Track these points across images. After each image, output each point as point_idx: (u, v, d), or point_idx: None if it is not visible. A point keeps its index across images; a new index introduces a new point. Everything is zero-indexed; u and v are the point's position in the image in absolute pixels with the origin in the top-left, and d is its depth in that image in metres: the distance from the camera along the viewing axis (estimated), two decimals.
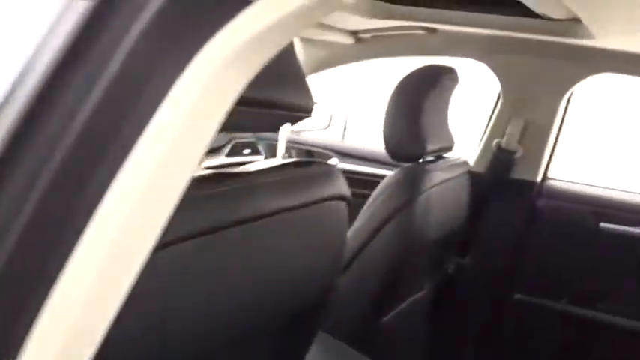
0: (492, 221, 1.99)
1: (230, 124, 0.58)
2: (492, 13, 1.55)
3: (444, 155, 1.77)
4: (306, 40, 2.14)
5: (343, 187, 0.96)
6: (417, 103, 1.55)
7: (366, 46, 2.05)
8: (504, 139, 1.93)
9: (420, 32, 1.86)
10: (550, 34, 1.50)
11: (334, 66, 2.18)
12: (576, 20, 1.40)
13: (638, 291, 1.85)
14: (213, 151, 2.30)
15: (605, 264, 1.87)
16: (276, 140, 2.55)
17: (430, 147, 1.58)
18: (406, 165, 1.59)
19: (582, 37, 1.43)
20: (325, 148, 2.53)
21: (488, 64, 1.90)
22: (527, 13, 1.48)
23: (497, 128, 1.95)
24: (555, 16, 1.40)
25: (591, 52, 1.70)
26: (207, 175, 0.77)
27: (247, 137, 2.62)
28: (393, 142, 1.58)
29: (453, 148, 1.78)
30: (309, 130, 2.66)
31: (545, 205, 1.96)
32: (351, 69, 2.28)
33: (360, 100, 4.87)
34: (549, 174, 2.01)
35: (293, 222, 0.83)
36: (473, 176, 2.00)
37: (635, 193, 1.94)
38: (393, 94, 1.59)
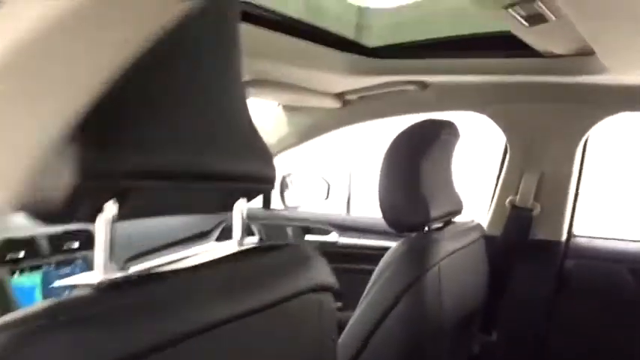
0: (517, 290, 1.74)
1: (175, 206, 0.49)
2: (488, 57, 1.40)
3: (453, 220, 1.55)
4: (289, 108, 1.99)
5: (323, 275, 0.75)
6: (414, 165, 1.36)
7: (354, 108, 1.89)
8: (518, 197, 1.71)
9: (411, 88, 1.70)
10: (557, 74, 1.33)
11: (322, 133, 2.01)
12: (586, 55, 1.23)
13: None
14: (202, 236, 2.10)
15: None
16: (274, 219, 2.36)
17: (435, 213, 1.37)
18: (410, 235, 1.37)
19: (595, 72, 1.25)
20: (323, 222, 2.32)
21: (490, 116, 1.72)
22: (529, 52, 1.32)
23: (509, 185, 1.74)
24: (562, 52, 1.23)
25: (606, 91, 1.52)
26: (134, 278, 0.56)
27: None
28: (391, 212, 1.37)
29: (462, 211, 1.56)
30: (305, 205, 2.48)
31: (574, 266, 1.72)
32: (354, 132, 2.11)
33: (365, 166, 4.69)
34: (574, 231, 1.78)
35: (253, 328, 0.61)
36: (488, 241, 1.77)
37: None
38: (386, 156, 1.40)
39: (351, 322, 1.32)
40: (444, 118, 1.51)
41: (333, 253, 2.25)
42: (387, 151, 1.41)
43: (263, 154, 0.68)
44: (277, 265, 0.71)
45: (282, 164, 2.52)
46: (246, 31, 1.25)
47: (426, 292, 1.27)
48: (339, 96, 1.81)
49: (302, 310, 0.70)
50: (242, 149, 0.64)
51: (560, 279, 1.72)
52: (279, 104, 2.02)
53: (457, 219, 1.57)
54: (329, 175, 2.47)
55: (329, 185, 2.50)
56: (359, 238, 2.25)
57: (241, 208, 0.68)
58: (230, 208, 0.69)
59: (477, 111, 1.73)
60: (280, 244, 0.78)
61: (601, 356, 1.67)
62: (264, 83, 1.54)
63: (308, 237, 2.29)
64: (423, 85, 1.71)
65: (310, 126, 1.99)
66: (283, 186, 2.47)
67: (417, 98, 1.75)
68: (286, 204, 2.45)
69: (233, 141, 0.63)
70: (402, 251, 1.31)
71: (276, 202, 2.45)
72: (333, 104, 1.84)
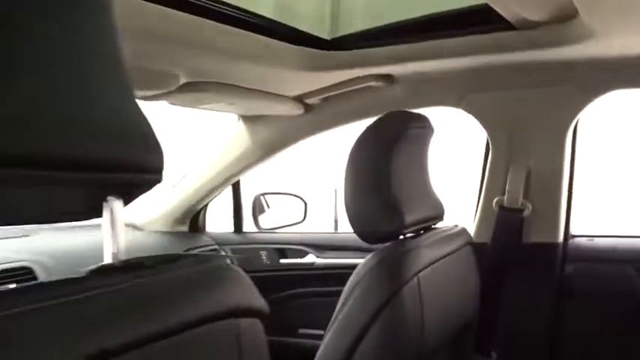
0: (514, 302, 1.55)
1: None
2: (455, 36, 1.23)
3: (434, 226, 1.36)
4: (250, 119, 1.81)
5: (246, 297, 0.58)
6: (382, 164, 1.17)
7: (317, 114, 1.71)
8: (506, 196, 1.53)
9: (377, 84, 1.53)
10: (534, 47, 1.16)
11: (288, 144, 1.83)
12: (566, 20, 1.06)
13: None
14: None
15: None
16: (246, 243, 2.16)
17: (411, 218, 1.19)
18: (383, 246, 1.18)
19: (578, 39, 1.09)
20: (299, 243, 2.13)
21: (466, 109, 1.55)
22: (501, 26, 1.15)
23: (495, 184, 1.56)
24: (537, 18, 1.06)
25: (593, 67, 1.34)
26: None
27: (209, 244, 2.25)
28: (359, 221, 1.19)
29: (444, 216, 1.38)
30: (283, 227, 2.30)
31: (575, 270, 1.54)
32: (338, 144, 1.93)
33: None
34: (572, 230, 1.60)
35: None
36: (477, 248, 1.58)
37: None
38: (350, 157, 1.22)
39: (319, 351, 1.12)
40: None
41: (311, 276, 2.06)
42: (351, 151, 1.23)
43: (147, 139, 0.51)
44: (180, 283, 0.54)
45: (256, 183, 2.36)
46: (184, 21, 1.08)
47: (404, 310, 1.07)
48: (299, 100, 1.64)
49: (213, 338, 0.53)
50: (116, 131, 0.47)
51: (562, 285, 1.53)
52: (239, 118, 1.85)
53: (439, 225, 1.39)
54: (313, 192, 2.29)
55: (305, 204, 2.32)
56: (338, 257, 2.07)
57: (114, 208, 0.50)
58: (100, 213, 0.51)
59: (452, 105, 1.56)
60: (187, 257, 0.59)
61: None
62: (210, 86, 1.37)
63: (283, 260, 2.09)
64: (391, 80, 1.54)
65: (274, 137, 1.82)
66: (256, 207, 2.29)
67: (386, 96, 1.58)
68: (260, 226, 2.27)
69: (103, 121, 0.46)
70: (373, 265, 1.12)
71: (248, 226, 2.28)
72: (294, 110, 1.67)
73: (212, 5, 1.15)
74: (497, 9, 1.05)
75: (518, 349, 1.52)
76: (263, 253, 2.10)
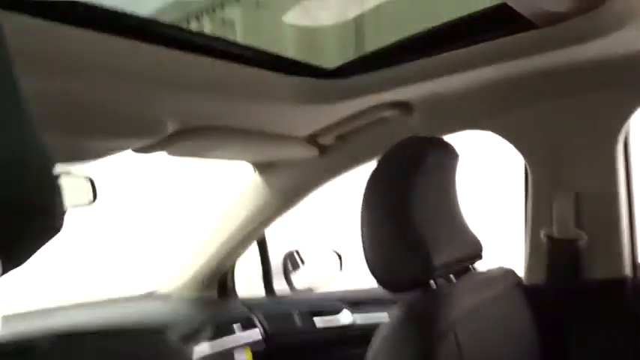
0: (582, 352, 1.30)
1: None
2: (471, 44, 1.08)
3: (472, 267, 1.17)
4: (265, 169, 1.69)
5: None
6: (400, 198, 1.01)
7: (334, 155, 1.57)
8: (555, 227, 1.32)
9: (394, 114, 1.38)
10: (561, 45, 0.99)
11: (308, 191, 1.69)
12: (595, 7, 0.90)
13: None
14: (189, 338, 1.75)
15: None
16: (279, 305, 2.00)
17: (440, 260, 1.00)
18: (410, 295, 1.00)
19: (609, 29, 0.91)
20: (334, 300, 1.96)
21: (496, 131, 1.36)
22: (522, 25, 1.00)
23: (540, 214, 1.35)
24: (561, 9, 0.90)
25: (635, 63, 1.15)
26: None
27: (239, 310, 2.09)
28: (380, 267, 1.01)
29: (482, 254, 1.18)
30: (319, 281, 2.14)
31: None
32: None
33: None
34: None
35: None
36: (530, 291, 1.36)
37: None
38: (365, 195, 1.06)
39: None
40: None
41: (347, 337, 1.87)
42: (366, 188, 1.07)
43: (39, 175, 0.38)
44: None
45: (282, 240, 2.22)
46: (165, 58, 0.97)
47: None
48: (312, 141, 1.50)
49: None
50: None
51: (637, 326, 1.28)
52: (254, 168, 1.73)
53: (477, 265, 1.19)
54: (346, 244, 2.15)
55: (340, 257, 2.17)
56: (379, 312, 1.87)
57: None
58: None
59: (480, 128, 1.38)
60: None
61: None
62: (207, 132, 1.25)
63: (316, 319, 1.91)
64: (408, 108, 1.39)
65: (292, 184, 1.68)
66: (287, 266, 2.14)
67: (405, 127, 1.42)
68: (293, 286, 2.11)
69: None
70: (399, 320, 0.94)
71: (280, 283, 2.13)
72: (308, 152, 1.53)
73: (197, 38, 1.05)
74: (513, 5, 0.90)
75: None
76: (296, 316, 1.92)
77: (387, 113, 1.38)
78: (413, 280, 0.98)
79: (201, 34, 1.05)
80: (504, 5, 0.96)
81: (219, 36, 1.09)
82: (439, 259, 0.99)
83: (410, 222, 0.98)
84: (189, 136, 1.22)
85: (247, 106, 1.21)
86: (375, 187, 1.05)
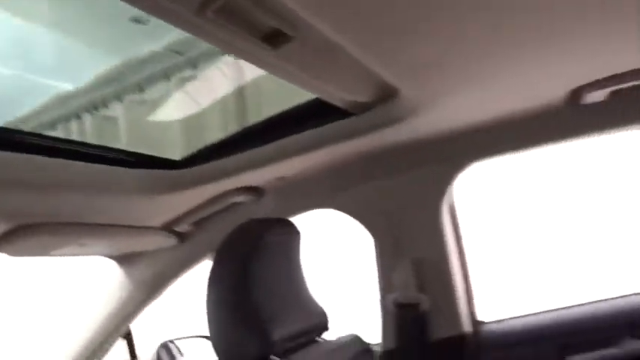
0: None
1: None
2: (304, 130, 1.20)
3: (318, 339, 1.22)
4: (121, 258, 1.66)
5: None
6: (240, 277, 1.05)
7: (192, 242, 1.59)
8: (399, 293, 1.42)
9: (246, 199, 1.45)
10: (375, 128, 1.13)
11: (170, 281, 1.68)
12: (394, 97, 1.04)
13: None
14: None
15: None
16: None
17: (280, 334, 1.04)
18: None
19: (409, 114, 1.06)
20: None
21: (339, 208, 1.48)
22: (342, 114, 1.13)
23: (387, 281, 1.46)
24: (368, 99, 1.04)
25: (443, 144, 1.32)
26: None
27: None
28: (221, 345, 1.04)
29: (327, 325, 1.24)
30: None
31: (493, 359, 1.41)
32: None
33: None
34: (479, 317, 1.49)
35: None
36: (386, 357, 1.44)
37: (597, 302, 1.44)
38: (210, 275, 1.10)
39: None
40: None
41: None
42: (210, 269, 1.11)
43: None
44: None
45: (151, 332, 2.14)
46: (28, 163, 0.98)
47: None
48: (169, 229, 1.52)
49: None
50: None
51: None
52: (112, 260, 1.70)
53: (325, 336, 1.24)
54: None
55: None
56: None
57: None
58: None
59: (325, 206, 1.49)
60: None
61: None
62: (48, 227, 1.23)
63: None
64: (258, 192, 1.46)
65: (154, 275, 1.66)
66: (161, 358, 2.06)
67: (257, 211, 1.49)
68: None
69: None
70: None
71: None
72: (166, 241, 1.54)
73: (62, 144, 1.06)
74: (323, 98, 1.02)
75: None
76: None
77: (239, 198, 1.44)
78: (252, 357, 1.01)
79: (49, 137, 1.06)
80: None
81: (69, 138, 1.11)
82: (279, 333, 1.03)
83: (249, 300, 1.02)
84: (28, 234, 1.19)
85: (89, 200, 1.22)
86: (217, 268, 1.09)
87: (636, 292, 1.39)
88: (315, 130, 1.19)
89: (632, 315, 1.34)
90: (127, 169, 1.22)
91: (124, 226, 1.42)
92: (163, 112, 1.58)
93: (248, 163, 1.30)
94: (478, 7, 0.70)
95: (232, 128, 1.31)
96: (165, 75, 1.90)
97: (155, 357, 2.01)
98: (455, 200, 1.47)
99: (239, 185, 1.42)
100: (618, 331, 1.32)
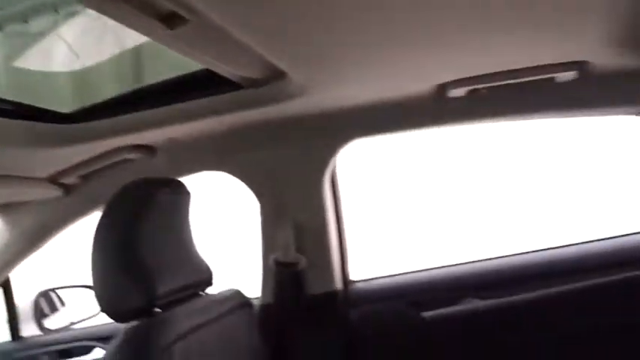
0: (302, 356, 1.53)
1: None
2: (199, 97, 1.24)
3: (202, 293, 1.31)
4: (3, 207, 1.63)
5: None
6: (127, 234, 1.11)
7: (78, 195, 1.60)
8: (280, 252, 1.54)
9: (136, 156, 1.48)
10: (263, 104, 1.21)
11: (53, 232, 1.67)
12: (283, 78, 1.12)
13: None
14: None
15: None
16: (26, 349, 1.90)
17: (165, 289, 1.12)
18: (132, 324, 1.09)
19: (297, 94, 1.15)
20: (89, 338, 1.93)
21: (228, 171, 1.56)
22: (232, 87, 1.19)
23: (269, 242, 1.57)
24: (258, 76, 1.11)
25: (329, 118, 1.44)
26: None
27: None
28: (106, 298, 1.10)
29: (212, 281, 1.33)
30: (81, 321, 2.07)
31: (359, 314, 1.58)
32: None
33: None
34: (351, 277, 1.65)
35: None
36: (265, 309, 1.56)
37: (448, 266, 1.66)
38: (96, 230, 1.14)
39: None
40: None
41: None
42: (97, 225, 1.15)
43: None
44: None
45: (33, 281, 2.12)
46: None
47: None
48: (54, 180, 1.52)
49: None
50: None
51: (347, 330, 1.55)
52: None
53: (209, 291, 1.34)
54: None
55: None
56: None
57: None
58: None
59: (215, 169, 1.56)
60: None
61: None
62: None
63: None
64: (150, 151, 1.50)
65: (36, 225, 1.65)
66: (39, 307, 2.04)
67: (148, 168, 1.53)
68: (46, 328, 2.02)
69: None
70: (118, 346, 1.03)
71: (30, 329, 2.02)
72: (51, 193, 1.54)
73: None
74: (215, 70, 1.08)
75: None
76: (44, 358, 1.86)
77: (130, 155, 1.47)
78: (136, 309, 1.08)
79: None
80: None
81: None
82: (164, 288, 1.11)
83: (134, 254, 1.08)
84: None
85: None
86: (105, 221, 1.14)
87: (480, 258, 1.63)
88: (208, 98, 1.25)
89: (475, 278, 1.57)
90: (13, 120, 1.20)
91: (5, 176, 1.40)
92: (49, 60, 1.54)
93: (141, 123, 1.33)
94: (358, 6, 0.80)
95: (127, 86, 1.33)
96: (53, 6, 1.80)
97: (33, 306, 2.00)
98: (337, 171, 1.61)
99: (131, 143, 1.44)
100: (465, 291, 1.53)
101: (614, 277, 1.41)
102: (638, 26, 1.01)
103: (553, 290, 1.44)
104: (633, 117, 1.45)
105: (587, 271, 1.46)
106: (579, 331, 1.41)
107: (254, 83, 1.16)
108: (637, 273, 1.41)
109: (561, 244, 1.59)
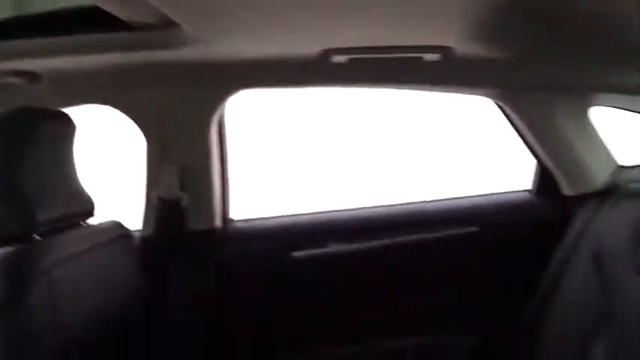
0: (181, 288, 1.64)
1: None
2: (89, 32, 1.25)
3: (83, 223, 1.36)
4: None
5: None
6: (8, 162, 1.14)
7: None
8: (164, 189, 1.61)
9: (18, 81, 1.45)
10: (150, 48, 1.25)
11: None
12: (174, 25, 1.17)
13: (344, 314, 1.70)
14: None
15: (306, 294, 1.69)
16: None
17: (44, 216, 1.16)
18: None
19: (187, 42, 1.20)
20: None
21: (117, 107, 1.58)
22: (122, 26, 1.21)
23: (154, 178, 1.64)
24: (149, 21, 1.14)
25: (220, 68, 1.50)
26: None
27: None
28: None
29: (93, 212, 1.38)
30: None
31: (235, 252, 1.70)
32: None
33: None
34: (231, 216, 1.76)
35: None
36: (144, 242, 1.64)
37: (317, 213, 1.82)
38: None
39: None
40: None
41: None
42: None
43: None
44: None
45: None
46: None
47: (31, 311, 1.05)
48: None
49: None
50: None
51: (223, 266, 1.67)
52: None
53: (90, 222, 1.39)
54: None
55: None
56: None
57: None
58: None
59: (104, 103, 1.58)
60: None
61: (274, 338, 1.69)
62: None
63: None
64: (34, 78, 1.47)
65: None
66: None
67: (31, 95, 1.51)
68: None
69: None
70: None
71: None
72: None
73: None
74: (106, 9, 1.10)
75: (183, 334, 1.61)
76: None
77: (12, 80, 1.44)
78: (14, 234, 1.12)
79: None
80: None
81: None
82: (43, 216, 1.15)
83: (14, 181, 1.11)
84: None
85: None
86: None
87: (347, 208, 1.81)
88: (97, 35, 1.26)
89: (338, 225, 1.75)
90: None
91: None
92: None
93: (25, 50, 1.31)
94: None
95: (12, 11, 1.29)
96: None
97: None
98: (225, 117, 1.69)
99: (13, 67, 1.41)
100: (329, 236, 1.71)
101: (443, 233, 1.69)
102: (496, 20, 1.17)
103: (398, 239, 1.68)
104: (489, 100, 1.67)
105: (425, 226, 1.70)
106: (417, 273, 1.69)
107: (145, 27, 1.18)
108: (459, 230, 1.69)
109: (406, 202, 1.82)
